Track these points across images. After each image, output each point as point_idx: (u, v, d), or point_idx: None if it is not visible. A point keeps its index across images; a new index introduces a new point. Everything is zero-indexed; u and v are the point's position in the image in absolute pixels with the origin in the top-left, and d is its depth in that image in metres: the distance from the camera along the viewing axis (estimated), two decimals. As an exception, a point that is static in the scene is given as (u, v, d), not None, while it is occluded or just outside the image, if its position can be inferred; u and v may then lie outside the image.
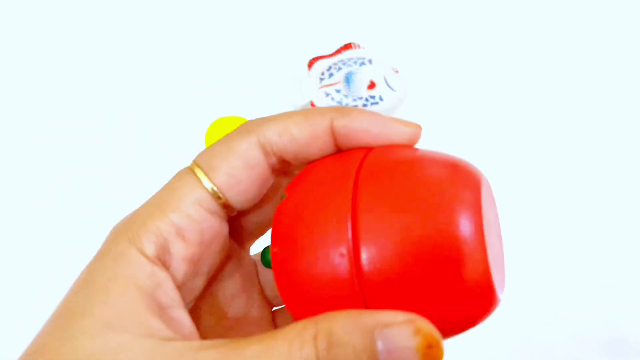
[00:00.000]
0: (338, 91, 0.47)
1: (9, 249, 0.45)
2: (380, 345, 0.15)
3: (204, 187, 0.19)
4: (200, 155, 0.20)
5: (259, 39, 0.54)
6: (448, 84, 0.51)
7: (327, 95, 0.47)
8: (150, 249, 0.18)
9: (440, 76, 0.51)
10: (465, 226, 0.16)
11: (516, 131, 0.48)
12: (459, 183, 0.17)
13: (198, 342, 0.16)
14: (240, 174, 0.19)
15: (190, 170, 0.19)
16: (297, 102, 0.48)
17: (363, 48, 0.51)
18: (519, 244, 0.43)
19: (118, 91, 0.51)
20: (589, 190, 0.45)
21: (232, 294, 0.22)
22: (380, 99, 0.47)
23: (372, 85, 0.47)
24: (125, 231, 0.18)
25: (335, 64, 0.49)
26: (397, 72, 0.48)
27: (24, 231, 0.46)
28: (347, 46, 0.51)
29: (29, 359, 0.17)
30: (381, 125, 0.20)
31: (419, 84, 0.50)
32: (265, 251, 0.20)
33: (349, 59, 0.49)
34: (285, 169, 0.21)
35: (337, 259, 0.16)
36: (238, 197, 0.19)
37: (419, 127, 0.21)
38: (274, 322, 0.23)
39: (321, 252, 0.16)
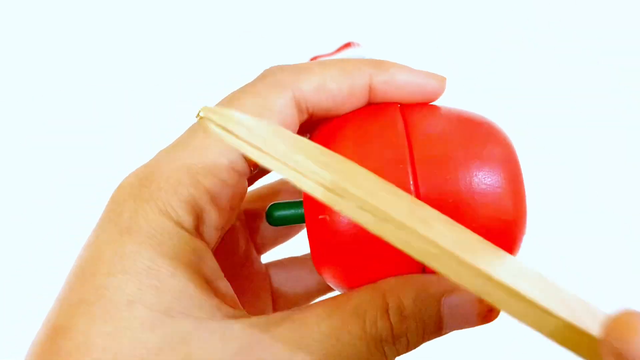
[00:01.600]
0: (338, 90, 0.47)
1: (9, 249, 0.45)
2: (446, 310, 0.16)
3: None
4: (235, 104, 0.17)
5: (259, 38, 0.54)
6: (448, 83, 0.51)
7: (327, 94, 0.47)
8: (189, 221, 0.16)
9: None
10: (508, 172, 0.18)
11: (516, 131, 0.48)
12: (495, 134, 0.19)
13: (264, 318, 0.16)
14: (287, 120, 0.17)
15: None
16: (297, 101, 0.48)
17: (363, 47, 0.51)
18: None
19: (118, 91, 0.51)
20: (589, 190, 0.45)
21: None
22: (381, 98, 0.47)
23: (372, 85, 0.47)
24: (152, 199, 0.16)
25: (335, 63, 0.49)
26: (397, 71, 0.48)
27: (24, 231, 0.46)
28: (347, 45, 0.50)
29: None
30: (419, 79, 0.18)
31: (419, 83, 0.50)
32: (272, 208, 0.21)
33: (350, 58, 0.49)
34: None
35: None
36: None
37: (445, 78, 0.20)
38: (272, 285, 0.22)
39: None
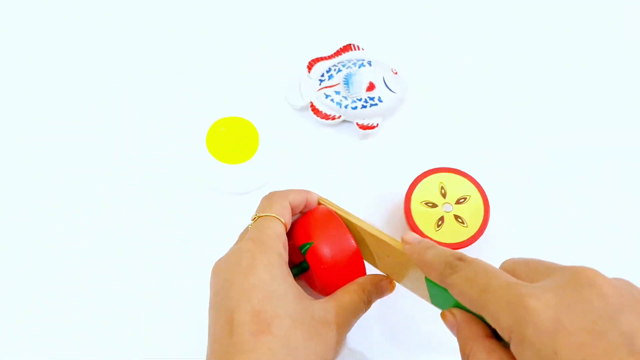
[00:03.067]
0: (337, 92, 0.48)
1: (9, 249, 0.45)
2: (379, 287, 0.37)
3: (282, 223, 0.36)
4: (271, 210, 0.37)
5: (259, 40, 0.54)
6: (447, 85, 0.51)
7: (327, 96, 0.48)
8: (284, 254, 0.35)
9: (439, 77, 0.51)
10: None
11: (514, 131, 0.48)
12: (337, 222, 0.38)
13: (322, 300, 0.35)
14: (289, 215, 0.37)
15: (274, 218, 0.36)
16: (296, 103, 0.48)
17: (362, 49, 0.51)
18: (510, 243, 0.44)
19: (119, 92, 0.51)
20: (587, 190, 0.46)
21: None
22: (380, 100, 0.47)
23: (371, 87, 0.48)
24: (269, 248, 0.34)
25: (334, 65, 0.49)
26: (396, 73, 0.49)
27: (24, 231, 0.46)
28: (347, 47, 0.51)
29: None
30: (315, 197, 0.39)
31: (418, 85, 0.50)
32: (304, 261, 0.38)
33: (349, 61, 0.49)
34: None
35: (354, 250, 0.37)
36: (287, 224, 0.37)
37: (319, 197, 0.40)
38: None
39: (348, 249, 0.37)
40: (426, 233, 0.40)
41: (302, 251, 0.37)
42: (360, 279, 0.37)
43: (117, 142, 0.49)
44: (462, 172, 0.42)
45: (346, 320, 0.35)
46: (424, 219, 0.41)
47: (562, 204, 0.45)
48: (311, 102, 0.48)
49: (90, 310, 0.42)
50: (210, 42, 0.54)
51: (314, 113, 0.48)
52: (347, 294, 0.35)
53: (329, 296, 0.36)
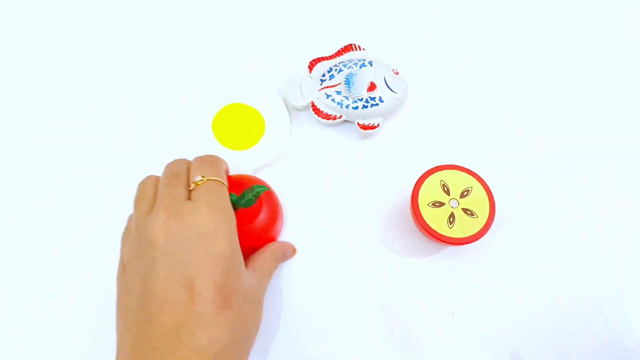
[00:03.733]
0: (338, 92, 0.48)
1: (9, 249, 0.45)
2: (284, 253, 0.40)
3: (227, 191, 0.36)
4: (218, 175, 0.35)
5: (259, 40, 0.54)
6: (447, 85, 0.51)
7: (328, 96, 0.48)
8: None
9: (439, 77, 0.51)
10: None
11: (514, 132, 0.48)
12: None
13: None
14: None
15: (223, 185, 0.35)
16: (297, 103, 0.48)
17: (363, 49, 0.51)
18: (512, 242, 0.44)
19: (119, 92, 0.51)
20: (587, 190, 0.46)
21: None
22: (380, 100, 0.47)
23: (372, 87, 0.48)
24: (231, 220, 0.33)
25: (336, 65, 0.49)
26: (397, 73, 0.49)
27: (24, 231, 0.46)
28: (348, 48, 0.51)
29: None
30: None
31: (419, 85, 0.50)
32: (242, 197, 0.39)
33: (350, 61, 0.49)
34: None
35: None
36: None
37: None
38: None
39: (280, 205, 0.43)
40: (441, 232, 0.40)
41: (257, 191, 0.38)
42: (272, 246, 0.38)
43: (117, 142, 0.49)
44: (458, 166, 0.42)
45: (265, 289, 0.36)
46: (435, 220, 0.41)
47: (562, 204, 0.45)
48: (312, 102, 0.48)
49: (89, 310, 0.42)
50: (210, 42, 0.54)
51: (315, 113, 0.48)
52: (266, 263, 0.37)
53: (250, 266, 0.36)
